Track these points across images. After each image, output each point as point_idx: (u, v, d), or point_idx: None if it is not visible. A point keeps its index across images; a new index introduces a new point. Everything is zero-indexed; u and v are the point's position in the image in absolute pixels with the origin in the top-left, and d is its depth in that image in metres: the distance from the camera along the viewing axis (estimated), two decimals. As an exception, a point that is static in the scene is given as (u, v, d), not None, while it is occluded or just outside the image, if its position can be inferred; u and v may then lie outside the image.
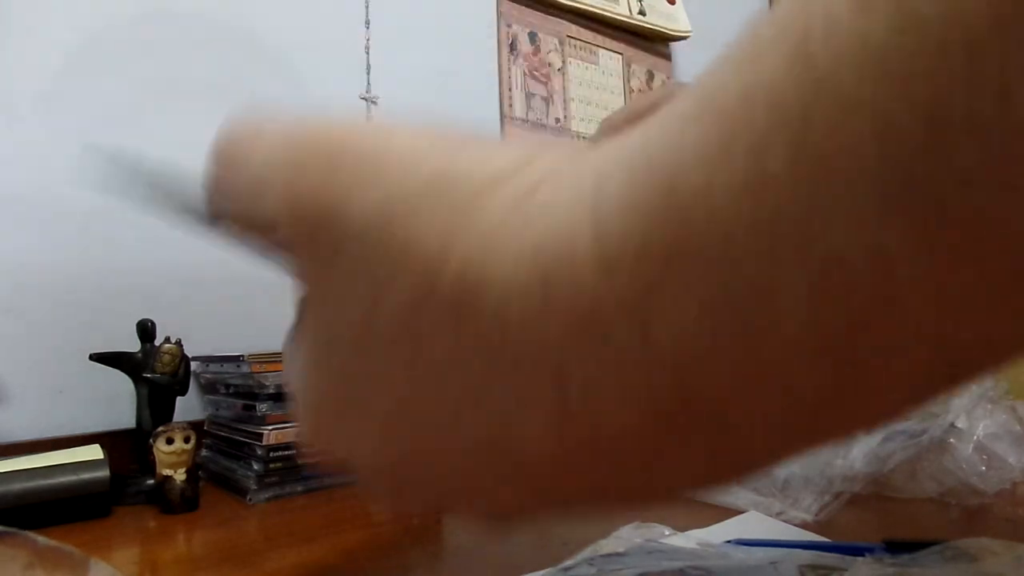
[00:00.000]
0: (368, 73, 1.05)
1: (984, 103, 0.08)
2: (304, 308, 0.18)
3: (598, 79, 1.36)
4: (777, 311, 0.10)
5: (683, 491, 0.15)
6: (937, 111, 0.09)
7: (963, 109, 0.09)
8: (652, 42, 1.46)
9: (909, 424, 0.54)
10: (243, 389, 0.71)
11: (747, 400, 0.11)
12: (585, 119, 1.32)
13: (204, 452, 0.76)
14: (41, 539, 0.33)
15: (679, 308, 0.11)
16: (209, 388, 0.80)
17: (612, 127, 0.42)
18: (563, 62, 1.31)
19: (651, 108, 0.14)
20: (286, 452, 0.67)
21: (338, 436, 0.17)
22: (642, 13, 1.40)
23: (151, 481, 0.63)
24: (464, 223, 0.13)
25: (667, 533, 0.42)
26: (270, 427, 0.66)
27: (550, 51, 1.29)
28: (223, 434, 0.74)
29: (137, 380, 0.70)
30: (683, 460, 0.13)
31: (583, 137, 1.31)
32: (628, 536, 0.41)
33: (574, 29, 1.33)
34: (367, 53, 1.05)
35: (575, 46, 1.33)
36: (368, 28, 1.05)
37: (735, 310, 0.11)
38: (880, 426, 0.13)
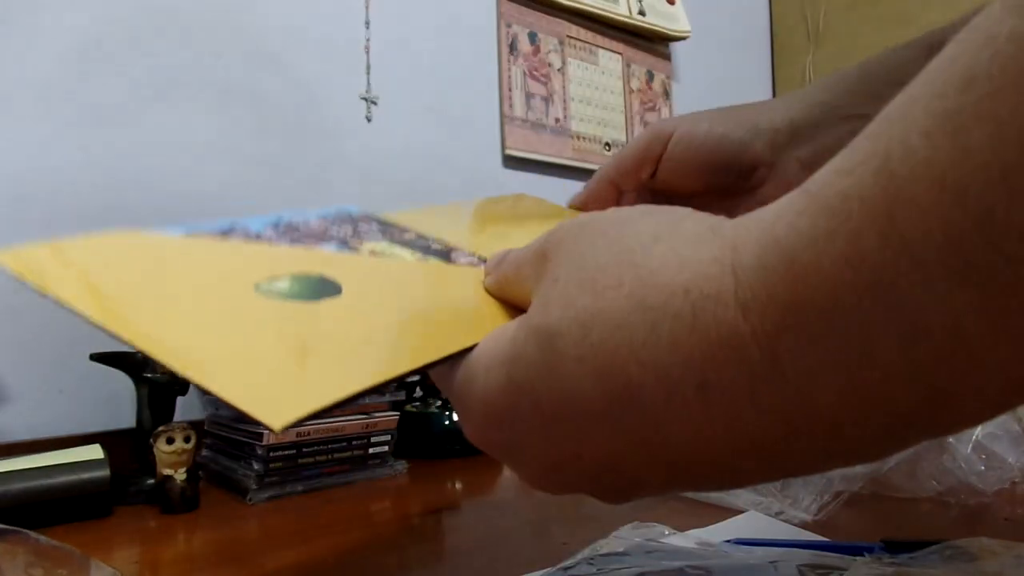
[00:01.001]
0: (368, 73, 1.05)
1: (1017, 208, 0.12)
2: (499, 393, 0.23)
3: (598, 79, 1.36)
4: (875, 351, 0.15)
5: (796, 475, 0.19)
6: (984, 215, 0.13)
7: (1003, 212, 0.13)
8: (652, 42, 1.46)
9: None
10: (243, 389, 0.71)
11: (856, 414, 0.16)
12: (584, 119, 1.32)
13: (204, 452, 0.76)
14: (43, 538, 0.33)
15: (800, 343, 0.15)
16: (209, 388, 0.80)
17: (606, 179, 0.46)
18: (563, 62, 1.31)
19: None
20: (286, 452, 0.67)
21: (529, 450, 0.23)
22: (642, 13, 1.40)
23: (151, 481, 0.63)
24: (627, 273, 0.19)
25: (667, 533, 0.42)
26: (270, 427, 0.66)
27: (550, 51, 1.29)
28: (223, 434, 0.74)
29: (137, 380, 0.70)
30: (803, 456, 0.17)
31: (581, 137, 1.31)
32: (628, 536, 0.41)
33: (574, 29, 1.33)
34: (367, 53, 1.05)
35: (575, 46, 1.33)
36: (368, 28, 1.05)
37: (843, 349, 0.15)
38: (963, 430, 0.17)
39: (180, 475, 0.61)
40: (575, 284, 0.20)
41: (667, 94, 1.48)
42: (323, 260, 0.28)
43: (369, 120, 1.05)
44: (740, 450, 0.18)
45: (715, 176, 0.44)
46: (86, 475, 0.59)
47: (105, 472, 0.60)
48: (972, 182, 0.13)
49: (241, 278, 0.25)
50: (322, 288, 0.26)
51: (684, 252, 0.18)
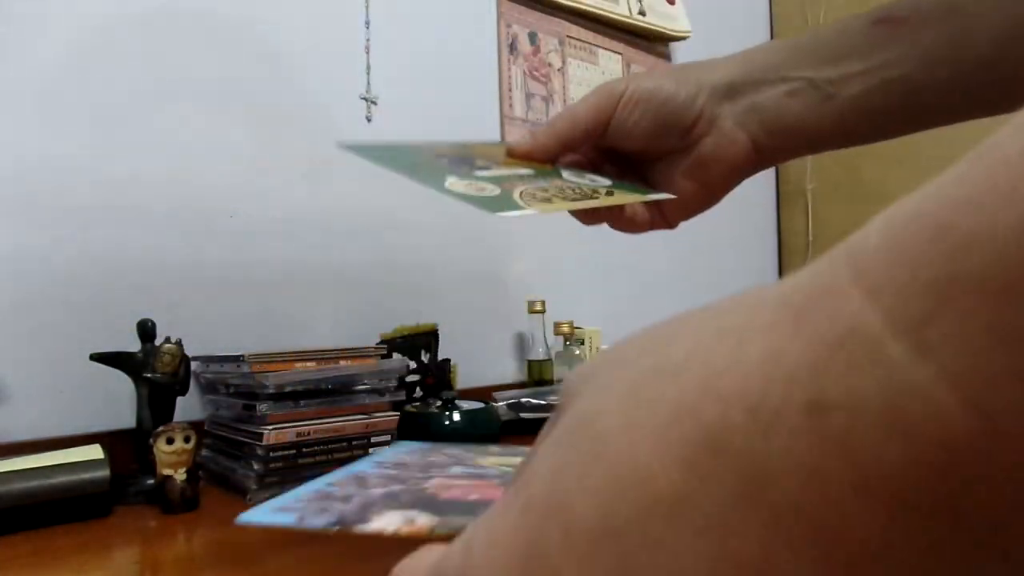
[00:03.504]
0: (368, 73, 1.05)
1: None
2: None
3: (598, 79, 1.35)
4: None
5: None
6: None
7: None
8: (652, 42, 1.46)
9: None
10: (243, 389, 0.71)
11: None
12: (585, 119, 1.32)
13: (204, 452, 0.76)
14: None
15: (964, 332, 0.11)
16: (209, 388, 0.80)
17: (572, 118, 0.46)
18: (563, 62, 1.31)
19: None
20: (286, 452, 0.67)
21: None
22: (642, 13, 1.40)
23: (151, 481, 0.63)
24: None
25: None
26: (270, 427, 0.66)
27: (550, 51, 1.29)
28: (223, 434, 0.74)
29: (137, 380, 0.70)
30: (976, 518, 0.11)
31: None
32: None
33: (574, 29, 1.33)
34: (367, 53, 1.05)
35: (575, 46, 1.33)
36: (368, 28, 1.05)
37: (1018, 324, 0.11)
38: None
39: (180, 475, 0.61)
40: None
41: (667, 94, 1.48)
42: None
43: (369, 120, 1.05)
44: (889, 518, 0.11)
45: (661, 134, 0.45)
46: (86, 475, 0.59)
47: (105, 472, 0.60)
48: None
49: None
50: None
51: (747, 315, 0.14)
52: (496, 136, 1.21)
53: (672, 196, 0.46)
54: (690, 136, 0.45)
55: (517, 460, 0.34)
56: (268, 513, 0.35)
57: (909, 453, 0.11)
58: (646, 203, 0.47)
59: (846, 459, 0.11)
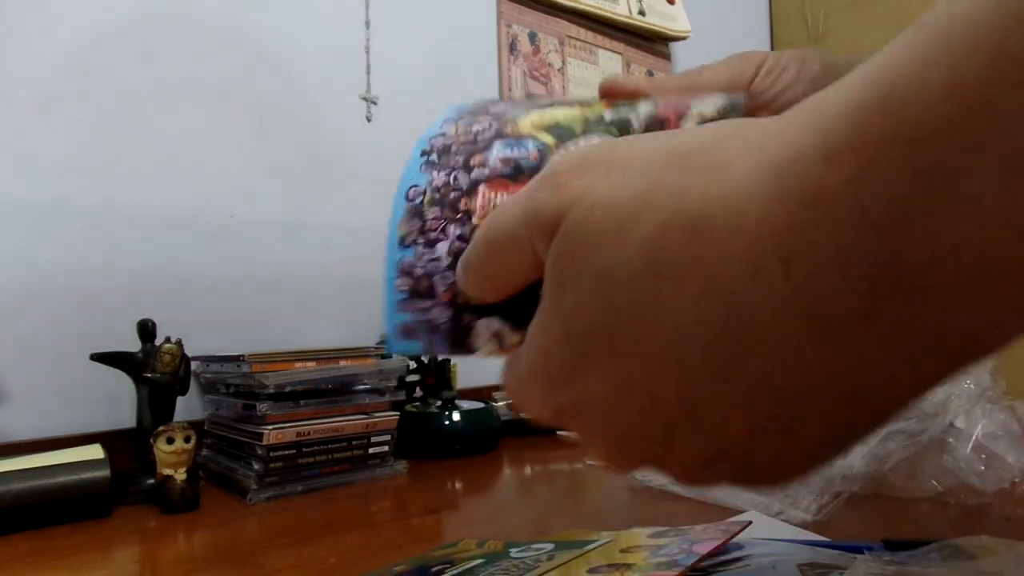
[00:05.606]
0: (368, 73, 1.05)
1: None
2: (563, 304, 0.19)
3: (598, 79, 1.35)
4: (972, 183, 0.13)
5: (894, 381, 0.16)
6: None
7: None
8: (652, 42, 1.46)
9: (908, 424, 0.55)
10: (243, 389, 0.71)
11: (945, 264, 0.14)
12: (585, 119, 1.32)
13: (204, 452, 0.76)
14: None
15: (889, 182, 0.14)
16: (209, 388, 0.80)
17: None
18: (563, 62, 1.31)
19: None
20: (286, 452, 0.67)
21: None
22: (642, 13, 1.40)
23: (151, 481, 0.63)
24: (698, 167, 0.17)
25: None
26: (270, 427, 0.66)
27: (550, 51, 1.29)
28: (223, 434, 0.74)
29: (137, 380, 0.70)
30: (893, 334, 0.15)
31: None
32: (628, 535, 0.41)
33: (574, 29, 1.33)
34: (367, 53, 1.05)
35: (575, 46, 1.33)
36: (368, 28, 1.05)
37: (936, 183, 0.13)
38: None
39: (180, 475, 0.61)
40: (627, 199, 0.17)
41: (667, 94, 1.48)
42: None
43: (369, 120, 1.05)
44: (827, 332, 0.15)
45: None
46: (86, 475, 0.59)
47: (105, 472, 0.60)
48: None
49: None
50: None
51: (759, 138, 0.17)
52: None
53: None
54: None
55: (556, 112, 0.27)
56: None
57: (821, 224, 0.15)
58: None
59: (810, 302, 0.15)
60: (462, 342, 0.26)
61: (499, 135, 0.26)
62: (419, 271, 0.26)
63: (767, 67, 0.35)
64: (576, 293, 0.18)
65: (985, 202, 0.13)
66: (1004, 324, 0.14)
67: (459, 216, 0.25)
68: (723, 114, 0.25)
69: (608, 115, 0.26)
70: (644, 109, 0.26)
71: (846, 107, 0.15)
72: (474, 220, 0.25)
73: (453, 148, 0.27)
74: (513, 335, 0.23)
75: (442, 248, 0.25)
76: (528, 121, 0.27)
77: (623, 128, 0.26)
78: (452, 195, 0.26)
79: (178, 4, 0.89)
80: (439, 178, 0.26)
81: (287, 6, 0.98)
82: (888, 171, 0.14)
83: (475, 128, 0.27)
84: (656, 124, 0.26)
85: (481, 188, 0.25)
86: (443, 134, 0.28)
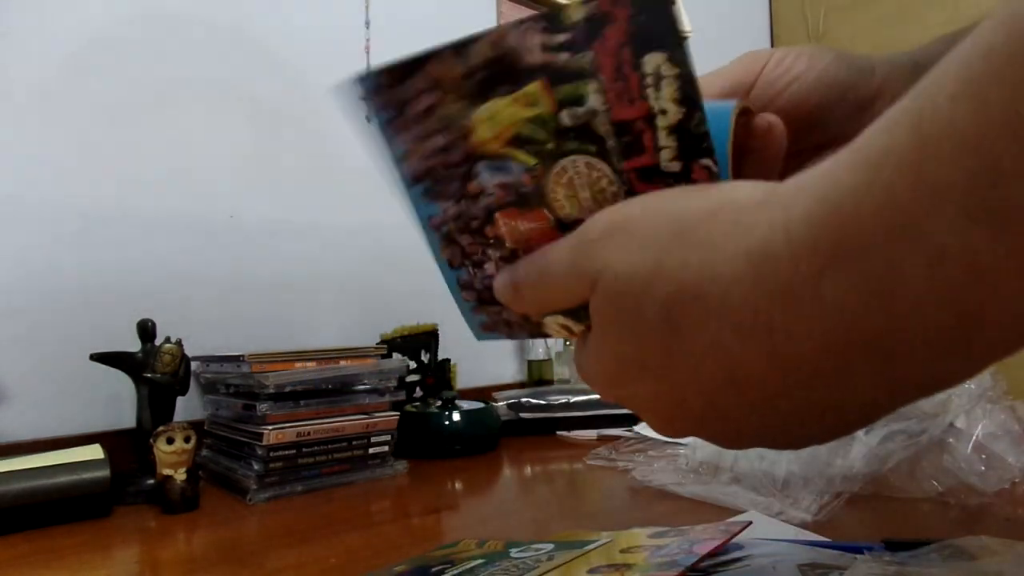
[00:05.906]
0: (368, 73, 1.05)
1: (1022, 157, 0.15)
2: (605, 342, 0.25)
3: (598, 79, 1.35)
4: (906, 279, 0.17)
5: (865, 408, 0.21)
6: (994, 163, 0.15)
7: (1010, 161, 0.15)
8: (652, 42, 1.45)
9: (908, 424, 0.55)
10: (243, 389, 0.71)
11: (895, 335, 0.18)
12: (585, 119, 1.32)
13: (204, 452, 0.76)
14: None
15: (840, 280, 0.18)
16: (209, 388, 0.80)
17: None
18: (563, 62, 1.30)
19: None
20: (286, 452, 0.67)
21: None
22: (642, 13, 1.39)
23: (151, 481, 0.63)
24: (694, 243, 0.22)
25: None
26: (270, 427, 0.66)
27: (550, 51, 1.29)
28: (223, 434, 0.74)
29: (137, 380, 0.70)
30: (856, 381, 0.20)
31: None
32: (628, 536, 0.41)
33: (574, 29, 1.32)
34: (367, 53, 1.05)
35: (575, 46, 1.33)
36: (368, 28, 1.05)
37: (878, 279, 0.18)
38: (1001, 358, 0.19)
39: (180, 475, 0.61)
40: (644, 269, 0.23)
41: (667, 94, 1.47)
42: None
43: (369, 120, 1.05)
44: (804, 378, 0.21)
45: (818, 116, 0.35)
46: (86, 475, 0.59)
47: (105, 472, 0.60)
48: (986, 135, 0.15)
49: None
50: None
51: (743, 220, 0.21)
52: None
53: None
54: (861, 120, 0.31)
55: None
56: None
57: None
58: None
59: (789, 355, 0.20)
60: (536, 332, 0.30)
61: (471, 155, 0.27)
62: (478, 285, 0.31)
63: (776, 58, 0.36)
64: (617, 336, 0.24)
65: (920, 291, 0.17)
66: (947, 375, 0.19)
67: (491, 241, 0.29)
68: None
69: (565, 118, 0.24)
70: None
71: (806, 215, 0.19)
72: (508, 245, 0.28)
73: (438, 172, 0.28)
74: (577, 325, 0.27)
75: (490, 268, 0.29)
76: (486, 130, 0.26)
77: (584, 134, 0.24)
78: (474, 224, 0.29)
79: (178, 4, 0.89)
80: (451, 209, 0.29)
81: (287, 6, 0.98)
82: (839, 274, 0.18)
83: (436, 142, 0.28)
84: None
85: (499, 218, 0.28)
86: (406, 152, 0.29)
